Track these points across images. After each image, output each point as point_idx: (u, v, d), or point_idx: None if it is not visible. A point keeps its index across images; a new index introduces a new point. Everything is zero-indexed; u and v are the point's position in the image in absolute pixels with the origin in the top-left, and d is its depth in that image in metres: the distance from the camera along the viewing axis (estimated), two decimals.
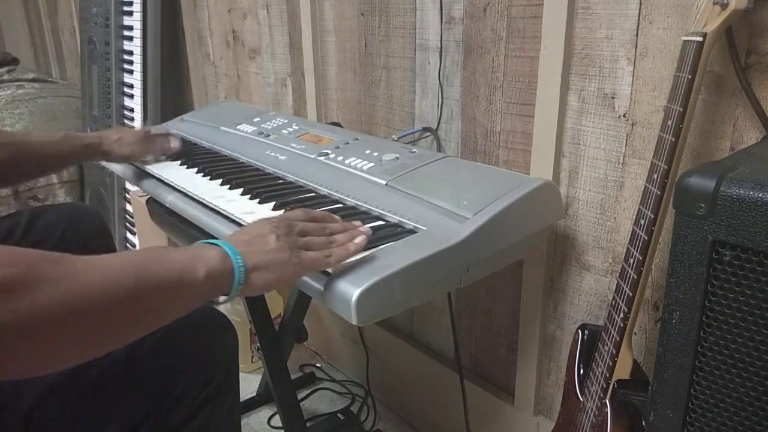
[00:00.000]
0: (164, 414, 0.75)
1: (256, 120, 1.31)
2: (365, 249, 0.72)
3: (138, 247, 2.03)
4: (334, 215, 0.77)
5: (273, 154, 1.12)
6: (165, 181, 1.05)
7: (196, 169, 1.07)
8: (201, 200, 0.94)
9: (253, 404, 1.52)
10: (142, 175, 1.13)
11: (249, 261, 0.62)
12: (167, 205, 1.00)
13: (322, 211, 0.78)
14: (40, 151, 1.03)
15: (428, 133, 1.21)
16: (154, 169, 1.10)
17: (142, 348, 0.76)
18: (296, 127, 1.22)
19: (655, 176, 0.69)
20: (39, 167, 1.08)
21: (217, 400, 0.80)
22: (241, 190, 0.95)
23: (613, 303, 0.77)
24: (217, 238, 0.64)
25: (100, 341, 0.52)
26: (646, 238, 0.70)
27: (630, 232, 0.73)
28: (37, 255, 0.47)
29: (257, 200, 0.90)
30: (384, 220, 0.83)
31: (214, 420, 0.81)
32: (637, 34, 0.85)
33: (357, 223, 0.74)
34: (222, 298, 0.63)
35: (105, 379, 0.73)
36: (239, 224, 0.84)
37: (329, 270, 0.68)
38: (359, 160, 0.99)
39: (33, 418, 0.68)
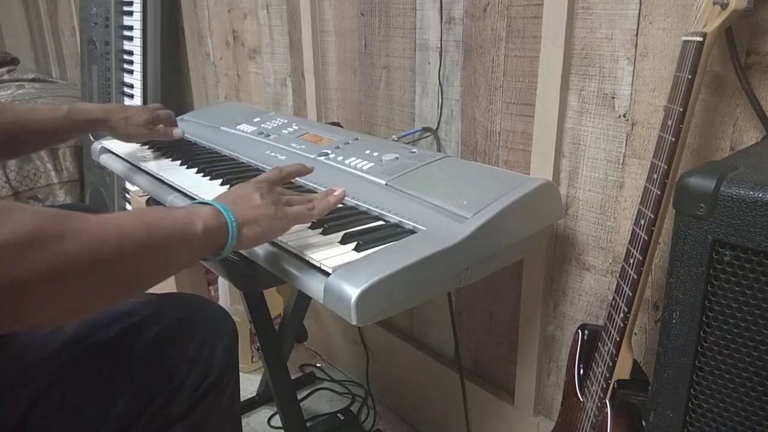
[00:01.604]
0: (162, 407, 0.75)
1: (256, 120, 1.31)
2: (365, 249, 0.72)
3: None
4: (306, 165, 0.86)
5: (273, 154, 1.12)
6: (165, 181, 1.05)
7: (196, 169, 1.07)
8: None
9: (253, 404, 1.52)
10: (142, 175, 1.13)
11: (239, 216, 0.67)
12: (167, 206, 1.00)
13: (295, 164, 0.85)
14: (43, 128, 1.02)
15: (428, 133, 1.21)
16: (154, 169, 1.10)
17: (140, 341, 0.76)
18: (296, 127, 1.22)
19: (655, 176, 0.69)
20: (41, 142, 1.10)
21: (216, 393, 0.80)
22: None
23: (613, 303, 0.77)
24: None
25: (120, 287, 0.56)
26: (646, 238, 0.70)
27: (630, 232, 0.73)
28: (58, 211, 0.51)
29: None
30: (384, 220, 0.83)
31: (213, 414, 0.81)
32: (637, 34, 0.85)
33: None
34: (216, 254, 0.68)
35: (103, 371, 0.73)
36: None
37: (329, 270, 0.68)
38: (359, 160, 0.99)
39: (32, 411, 0.68)
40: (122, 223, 0.56)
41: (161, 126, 1.14)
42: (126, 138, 1.14)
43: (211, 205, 0.67)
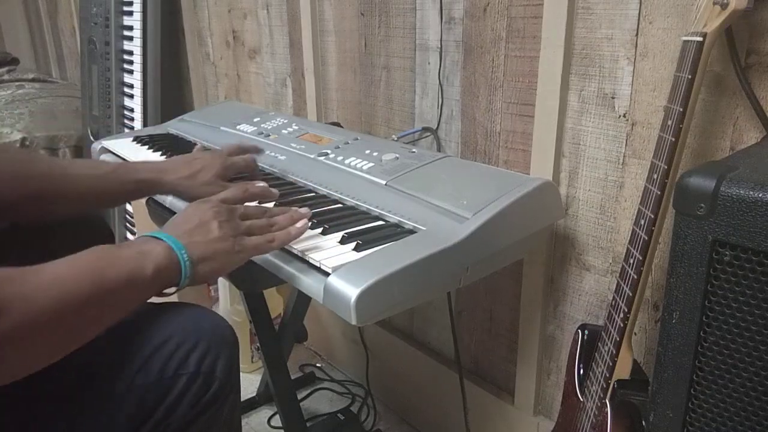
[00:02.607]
0: (162, 420, 0.74)
1: (256, 120, 1.31)
2: (364, 249, 0.72)
3: None
4: (272, 189, 0.83)
5: (273, 154, 1.12)
6: None
7: None
8: (153, 233, 0.91)
9: (253, 404, 1.52)
10: None
11: (194, 253, 0.64)
12: (167, 206, 1.00)
13: (260, 186, 0.82)
14: (79, 188, 0.84)
15: (428, 133, 1.21)
16: None
17: (140, 352, 0.76)
18: (296, 127, 1.22)
19: (655, 176, 0.69)
20: (74, 206, 0.86)
21: (217, 406, 0.79)
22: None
23: (613, 303, 0.77)
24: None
25: (68, 342, 0.55)
26: (646, 238, 0.70)
27: (630, 232, 0.73)
28: None
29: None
30: (383, 220, 0.83)
31: (214, 426, 0.80)
32: (637, 34, 0.85)
33: (294, 208, 0.78)
34: (171, 290, 0.66)
35: (101, 385, 0.73)
36: None
37: (329, 270, 0.68)
38: (359, 160, 0.99)
39: (29, 427, 0.68)
40: (65, 281, 0.53)
41: (241, 184, 0.87)
42: (193, 200, 0.86)
43: (163, 241, 0.63)
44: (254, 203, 0.84)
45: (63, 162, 0.87)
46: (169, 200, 0.99)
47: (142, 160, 1.15)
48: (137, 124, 2.02)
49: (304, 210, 0.76)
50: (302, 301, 1.33)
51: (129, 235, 2.15)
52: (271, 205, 0.86)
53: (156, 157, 1.17)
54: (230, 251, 0.67)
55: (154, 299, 0.71)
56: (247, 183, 0.79)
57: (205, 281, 0.67)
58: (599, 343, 0.81)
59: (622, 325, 0.74)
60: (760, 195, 0.49)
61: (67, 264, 0.55)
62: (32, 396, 0.69)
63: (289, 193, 0.95)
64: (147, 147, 1.23)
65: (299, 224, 0.74)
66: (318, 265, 0.70)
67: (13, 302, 0.48)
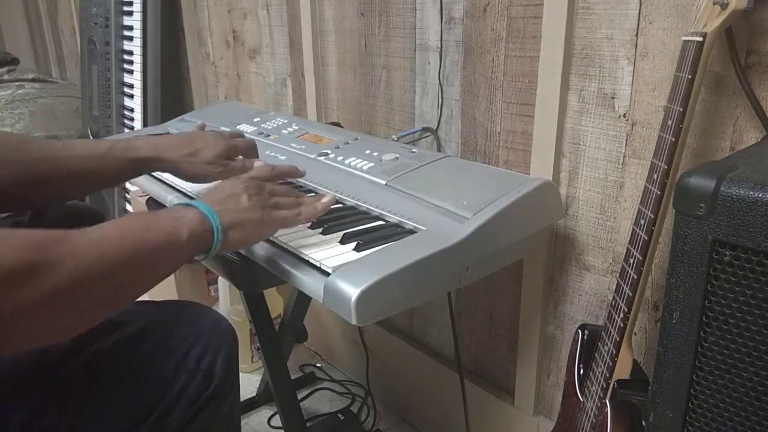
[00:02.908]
0: (162, 417, 0.75)
1: (256, 120, 1.31)
2: (364, 249, 0.72)
3: None
4: (299, 168, 0.85)
5: (273, 154, 1.12)
6: (165, 181, 1.05)
7: None
8: (186, 202, 0.92)
9: (253, 404, 1.52)
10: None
11: (225, 220, 0.66)
12: (167, 205, 1.00)
13: (288, 165, 0.85)
14: (76, 168, 0.82)
15: (428, 133, 1.21)
16: None
17: (139, 350, 0.76)
18: (296, 127, 1.22)
19: (655, 176, 0.69)
20: (76, 187, 0.86)
21: (216, 403, 0.80)
22: None
23: (613, 303, 0.77)
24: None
25: (110, 303, 0.57)
26: (646, 238, 0.70)
27: (630, 232, 0.73)
28: (45, 237, 0.51)
29: None
30: (384, 220, 0.83)
31: (213, 423, 0.81)
32: (637, 34, 0.85)
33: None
34: (202, 256, 0.67)
35: (101, 383, 0.73)
36: None
37: (329, 270, 0.68)
38: (359, 160, 0.99)
39: (30, 426, 0.68)
40: (108, 243, 0.56)
41: (239, 160, 0.90)
42: (191, 179, 0.89)
43: (196, 208, 0.66)
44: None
45: (57, 144, 0.83)
46: (169, 199, 0.99)
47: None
48: (137, 124, 2.02)
49: (328, 196, 0.78)
50: (302, 301, 1.33)
51: None
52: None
53: None
54: (260, 221, 0.69)
55: (153, 299, 0.71)
56: (275, 164, 0.81)
57: (235, 248, 0.70)
58: (599, 343, 0.81)
59: (622, 325, 0.74)
60: (760, 195, 0.49)
61: (110, 227, 0.58)
62: (35, 395, 0.69)
63: None
64: (151, 135, 1.23)
65: (325, 199, 0.76)
66: (318, 265, 0.70)
67: (65, 258, 0.50)
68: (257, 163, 0.90)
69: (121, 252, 0.56)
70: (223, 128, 1.31)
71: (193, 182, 0.91)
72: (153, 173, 1.02)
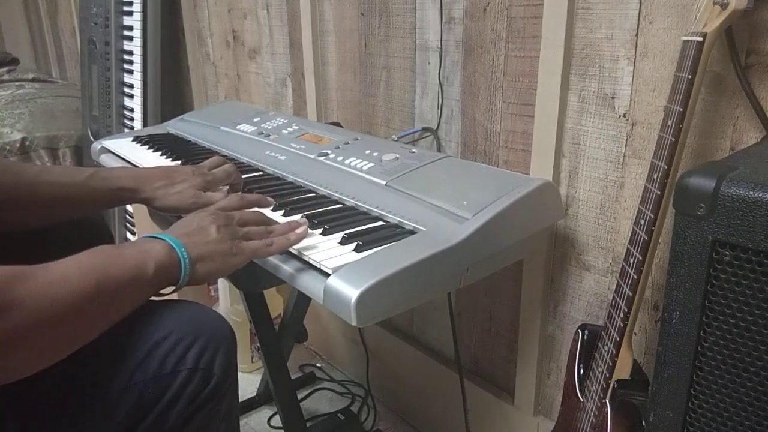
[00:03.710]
0: (161, 416, 0.75)
1: (256, 120, 1.31)
2: (364, 250, 0.72)
3: None
4: (268, 198, 0.85)
5: (273, 154, 1.12)
6: None
7: None
8: (153, 235, 0.91)
9: (253, 404, 1.52)
10: None
11: (192, 252, 0.66)
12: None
13: (256, 195, 0.84)
14: (51, 196, 0.82)
15: (428, 133, 1.21)
16: None
17: (138, 350, 0.76)
18: (296, 127, 1.22)
19: (655, 176, 0.69)
20: (52, 213, 0.84)
21: (215, 402, 0.80)
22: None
23: (613, 303, 0.77)
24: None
25: (75, 340, 0.57)
26: (646, 238, 0.70)
27: (630, 232, 0.73)
28: (4, 277, 0.50)
29: (282, 212, 0.89)
30: (384, 220, 0.83)
31: (212, 422, 0.81)
32: (637, 34, 0.85)
33: (292, 218, 0.80)
34: (170, 289, 0.67)
35: (100, 382, 0.73)
36: None
37: (329, 271, 0.68)
38: (359, 160, 0.99)
39: (28, 425, 0.68)
40: (72, 279, 0.55)
41: (217, 193, 0.89)
42: (168, 210, 0.89)
43: (163, 240, 0.65)
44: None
45: (35, 169, 0.84)
46: None
47: (141, 158, 1.15)
48: (137, 124, 2.02)
49: (302, 219, 0.77)
50: (302, 301, 1.33)
51: (129, 236, 2.15)
52: (268, 211, 0.86)
53: (156, 157, 1.17)
54: (228, 253, 0.69)
55: (153, 298, 0.71)
56: (243, 193, 0.82)
57: (203, 281, 0.69)
58: (599, 343, 0.81)
59: (622, 325, 0.74)
60: (760, 195, 0.49)
61: (72, 262, 0.57)
62: (33, 395, 0.69)
63: (289, 193, 0.95)
64: (147, 147, 1.23)
65: (299, 230, 0.75)
66: (318, 266, 0.70)
67: (24, 299, 0.50)
68: (222, 196, 0.89)
69: (84, 289, 0.55)
70: (223, 128, 1.31)
71: (168, 212, 0.91)
72: None
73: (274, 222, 0.77)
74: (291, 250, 0.74)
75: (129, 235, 2.15)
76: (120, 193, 0.86)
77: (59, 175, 0.84)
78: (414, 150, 1.01)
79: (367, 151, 1.02)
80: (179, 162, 1.12)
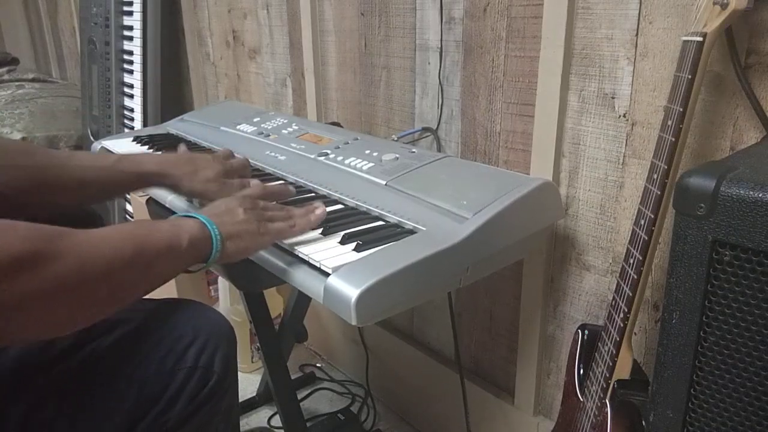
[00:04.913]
0: (161, 414, 0.75)
1: (256, 120, 1.31)
2: (364, 250, 0.72)
3: None
4: (289, 187, 0.89)
5: (273, 154, 1.12)
6: None
7: None
8: (186, 213, 0.92)
9: (253, 404, 1.52)
10: None
11: (223, 230, 0.69)
12: (167, 205, 1.00)
13: (279, 184, 0.87)
14: (83, 178, 0.84)
15: (428, 133, 1.21)
16: None
17: (138, 348, 0.76)
18: (296, 127, 1.22)
19: (655, 176, 0.69)
20: (81, 196, 0.87)
21: (215, 400, 0.80)
22: None
23: (613, 303, 0.77)
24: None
25: (109, 301, 0.58)
26: (646, 238, 0.70)
27: (630, 232, 0.73)
28: (50, 230, 0.52)
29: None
30: (384, 220, 0.83)
31: (212, 420, 0.81)
32: (637, 34, 0.85)
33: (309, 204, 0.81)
34: (197, 266, 0.69)
35: (101, 380, 0.73)
36: None
37: (329, 270, 0.68)
38: (359, 160, 0.99)
39: (29, 421, 0.68)
40: (111, 242, 0.57)
41: (237, 181, 0.92)
42: (191, 196, 0.94)
43: (196, 218, 0.68)
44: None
45: (63, 154, 0.88)
46: (169, 199, 0.99)
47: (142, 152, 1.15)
48: (137, 124, 2.02)
49: (320, 208, 0.79)
50: (302, 301, 1.33)
51: None
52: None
53: None
54: (255, 232, 0.71)
55: (153, 296, 0.71)
56: (266, 184, 0.84)
57: (233, 259, 0.71)
58: (599, 343, 0.81)
59: (622, 325, 0.74)
60: (760, 195, 0.49)
61: (112, 229, 0.60)
62: (34, 392, 0.69)
63: None
64: (147, 147, 1.23)
65: (318, 211, 0.78)
66: (318, 266, 0.70)
67: (69, 251, 0.52)
68: (252, 182, 0.95)
69: (122, 252, 0.57)
70: (223, 128, 1.31)
71: (192, 197, 0.95)
72: None
73: (292, 209, 0.80)
74: (291, 249, 0.74)
75: None
76: (147, 177, 0.90)
77: (87, 159, 0.87)
78: (414, 150, 1.01)
79: (367, 151, 1.02)
80: None
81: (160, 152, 1.16)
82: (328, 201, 0.91)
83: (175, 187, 0.92)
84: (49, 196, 0.83)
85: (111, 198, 0.92)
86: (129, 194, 2.03)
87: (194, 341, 0.79)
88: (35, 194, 0.81)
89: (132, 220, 2.09)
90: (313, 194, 0.95)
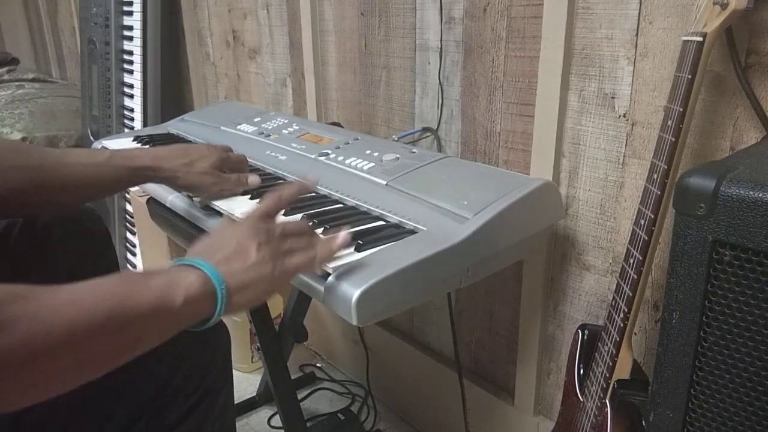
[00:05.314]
0: (157, 413, 0.75)
1: (256, 120, 1.31)
2: (365, 250, 0.72)
3: (138, 248, 2.03)
4: (305, 183, 0.75)
5: (273, 154, 1.12)
6: None
7: None
8: (187, 261, 0.92)
9: (253, 404, 1.52)
10: None
11: (231, 282, 0.58)
12: (167, 205, 1.00)
13: (294, 186, 0.73)
14: (77, 176, 0.82)
15: (428, 133, 1.21)
16: None
17: None
18: (296, 127, 1.22)
19: (655, 176, 0.69)
20: (76, 194, 0.85)
21: (211, 398, 0.80)
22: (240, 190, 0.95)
23: (613, 303, 0.77)
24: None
25: (73, 376, 0.49)
26: (646, 238, 0.70)
27: (630, 232, 0.73)
28: (3, 292, 0.45)
29: (258, 200, 0.90)
30: (384, 220, 0.83)
31: (208, 419, 0.81)
32: (637, 34, 0.85)
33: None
34: (194, 327, 0.60)
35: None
36: None
37: (329, 270, 0.68)
38: (359, 160, 0.99)
39: (24, 419, 0.68)
40: (78, 304, 0.48)
41: (235, 175, 0.92)
42: (188, 189, 0.92)
43: (198, 269, 0.57)
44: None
45: (57, 151, 0.83)
46: (169, 199, 0.99)
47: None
48: (137, 124, 2.02)
49: (343, 233, 0.69)
50: (302, 301, 1.33)
51: (129, 235, 2.15)
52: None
53: None
54: (270, 277, 0.61)
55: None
56: (280, 188, 0.72)
57: (239, 311, 0.63)
58: (599, 343, 0.81)
59: (622, 325, 0.74)
60: (760, 195, 0.49)
61: (88, 286, 0.51)
62: None
63: None
64: (147, 147, 1.23)
65: (341, 237, 0.67)
66: None
67: (19, 319, 0.44)
68: (251, 179, 0.92)
69: (92, 317, 0.48)
70: (223, 128, 1.31)
71: (188, 191, 0.93)
72: None
73: (313, 231, 0.70)
74: None
75: (129, 235, 2.15)
76: (141, 172, 0.86)
77: (81, 156, 0.84)
78: (414, 150, 1.01)
79: (368, 151, 1.02)
80: None
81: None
82: (329, 201, 0.91)
83: (170, 181, 0.89)
84: (46, 196, 0.81)
85: (108, 195, 0.87)
86: (128, 194, 2.03)
87: (191, 340, 0.79)
88: (33, 194, 0.78)
89: (132, 220, 2.09)
90: (313, 194, 0.95)
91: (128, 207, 2.12)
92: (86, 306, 0.48)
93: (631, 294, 0.73)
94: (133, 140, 1.28)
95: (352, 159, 1.00)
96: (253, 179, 0.93)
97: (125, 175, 0.86)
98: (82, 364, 0.49)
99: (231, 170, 0.92)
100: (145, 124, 1.99)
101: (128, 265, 2.13)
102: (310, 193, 0.82)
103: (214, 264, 0.58)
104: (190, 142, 1.27)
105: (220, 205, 0.89)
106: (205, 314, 0.58)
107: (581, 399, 0.86)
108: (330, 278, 0.66)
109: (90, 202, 0.94)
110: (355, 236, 0.75)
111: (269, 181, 1.01)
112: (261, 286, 0.60)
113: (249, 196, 0.92)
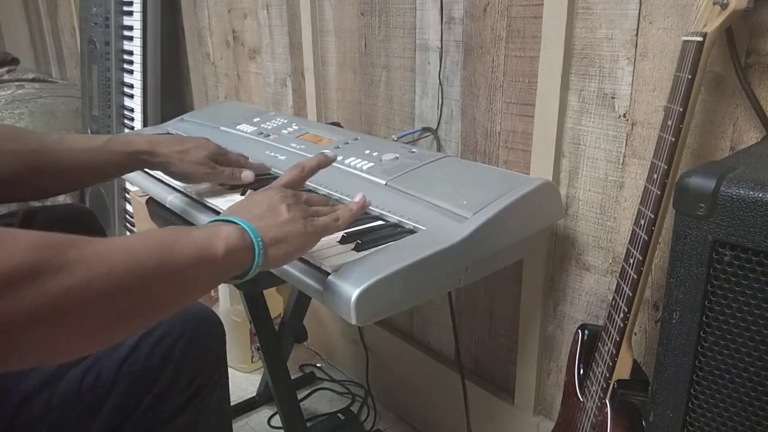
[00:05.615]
0: (152, 407, 0.75)
1: (256, 120, 1.31)
2: (364, 249, 0.72)
3: None
4: (326, 154, 0.79)
5: (273, 154, 1.12)
6: (165, 181, 1.05)
7: None
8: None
9: (253, 404, 1.52)
10: (141, 175, 1.13)
11: (267, 235, 0.61)
12: (167, 205, 1.00)
13: (315, 157, 0.78)
14: (74, 161, 0.82)
15: (428, 133, 1.21)
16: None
17: (127, 342, 0.76)
18: (296, 127, 1.22)
19: (655, 176, 0.69)
20: (73, 180, 0.86)
21: (205, 393, 0.80)
22: (240, 190, 0.95)
23: (613, 303, 0.77)
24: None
25: (127, 322, 0.50)
26: (646, 238, 0.70)
27: (630, 232, 0.73)
28: (59, 237, 0.46)
29: None
30: (384, 220, 0.83)
31: (203, 413, 0.81)
32: (637, 34, 0.85)
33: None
34: (234, 280, 0.62)
35: (86, 376, 0.73)
36: None
37: (329, 270, 0.68)
38: (359, 160, 0.99)
39: (19, 415, 0.68)
40: (131, 250, 0.50)
41: (229, 168, 0.92)
42: (181, 178, 0.93)
43: (235, 223, 0.60)
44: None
45: (54, 136, 0.83)
46: (169, 199, 0.99)
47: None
48: (137, 124, 2.02)
49: (359, 195, 0.74)
50: (302, 301, 1.33)
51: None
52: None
53: None
54: (302, 232, 0.64)
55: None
56: (302, 161, 0.76)
57: (277, 266, 0.65)
58: (599, 343, 0.81)
59: (622, 325, 0.74)
60: (760, 195, 0.49)
61: (136, 237, 0.53)
62: (18, 387, 0.69)
63: None
64: (144, 133, 1.23)
65: (357, 198, 0.73)
66: (318, 265, 0.70)
67: (77, 263, 0.45)
68: (245, 174, 0.93)
69: (143, 263, 0.50)
70: (223, 128, 1.31)
71: (181, 180, 0.94)
72: (150, 173, 1.06)
73: (332, 201, 0.74)
74: None
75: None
76: (137, 156, 0.87)
77: (78, 141, 0.84)
78: (414, 150, 1.01)
79: (367, 151, 1.02)
80: None
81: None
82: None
83: (164, 166, 0.90)
84: (41, 181, 0.81)
85: (104, 180, 0.88)
86: (128, 194, 2.03)
87: (183, 335, 0.78)
88: (27, 179, 0.79)
89: (132, 220, 2.09)
90: (313, 194, 0.94)
91: (128, 207, 2.12)
92: (139, 252, 0.50)
93: (631, 294, 0.73)
94: None
95: (352, 159, 1.00)
96: (247, 174, 0.93)
97: (122, 160, 0.86)
98: (136, 310, 0.50)
99: (227, 165, 0.93)
100: (145, 124, 1.99)
101: None
102: (330, 163, 0.81)
103: (249, 220, 0.61)
104: None
105: (214, 201, 0.89)
106: (244, 265, 0.60)
107: (581, 399, 0.86)
108: (329, 277, 0.66)
109: (88, 186, 0.96)
110: (355, 236, 0.75)
111: (267, 182, 1.01)
112: (295, 241, 0.63)
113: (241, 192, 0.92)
